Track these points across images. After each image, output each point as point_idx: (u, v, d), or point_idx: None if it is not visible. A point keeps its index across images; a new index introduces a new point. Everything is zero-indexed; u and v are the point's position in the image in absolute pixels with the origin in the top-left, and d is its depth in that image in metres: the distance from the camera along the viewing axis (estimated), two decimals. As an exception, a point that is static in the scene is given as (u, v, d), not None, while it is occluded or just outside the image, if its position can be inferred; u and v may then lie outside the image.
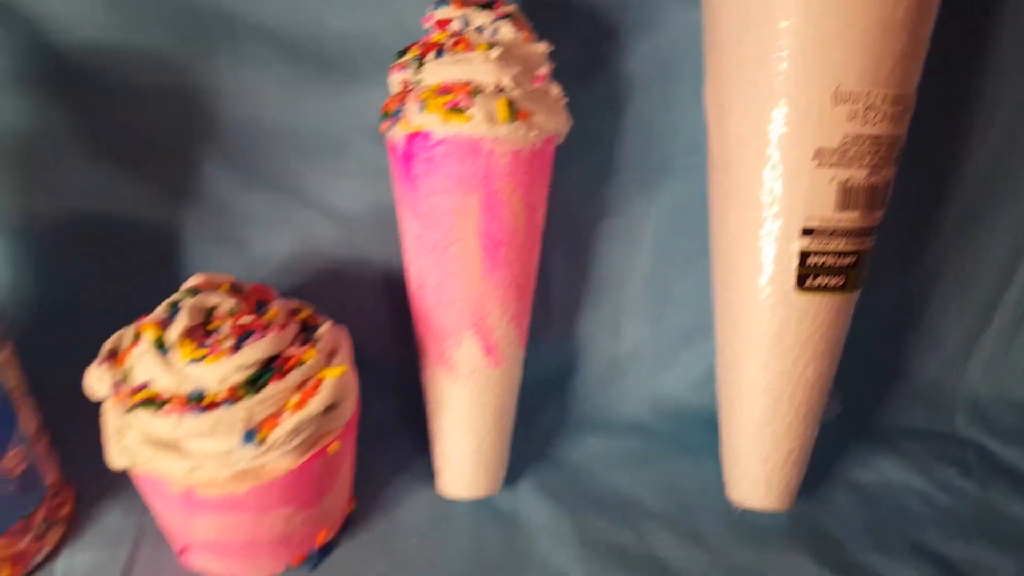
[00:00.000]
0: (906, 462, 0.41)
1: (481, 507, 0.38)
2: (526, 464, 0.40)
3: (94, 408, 0.40)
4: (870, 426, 0.43)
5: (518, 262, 0.35)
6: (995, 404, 0.44)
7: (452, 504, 0.38)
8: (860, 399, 0.42)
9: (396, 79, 0.35)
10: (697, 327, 0.42)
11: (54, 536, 0.35)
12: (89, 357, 0.41)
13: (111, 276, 0.40)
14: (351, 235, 0.41)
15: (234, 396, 0.29)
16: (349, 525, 0.37)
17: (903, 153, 0.35)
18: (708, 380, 0.42)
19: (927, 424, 0.43)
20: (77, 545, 0.35)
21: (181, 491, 0.30)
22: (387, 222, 0.40)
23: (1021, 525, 0.38)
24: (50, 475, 0.35)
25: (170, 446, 0.30)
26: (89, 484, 0.38)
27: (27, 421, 0.33)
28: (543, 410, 0.42)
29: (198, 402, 0.29)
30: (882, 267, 0.41)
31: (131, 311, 0.35)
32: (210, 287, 0.33)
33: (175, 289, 0.39)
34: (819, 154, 0.32)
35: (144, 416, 0.29)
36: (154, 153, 0.39)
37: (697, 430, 0.41)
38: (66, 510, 0.36)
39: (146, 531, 0.36)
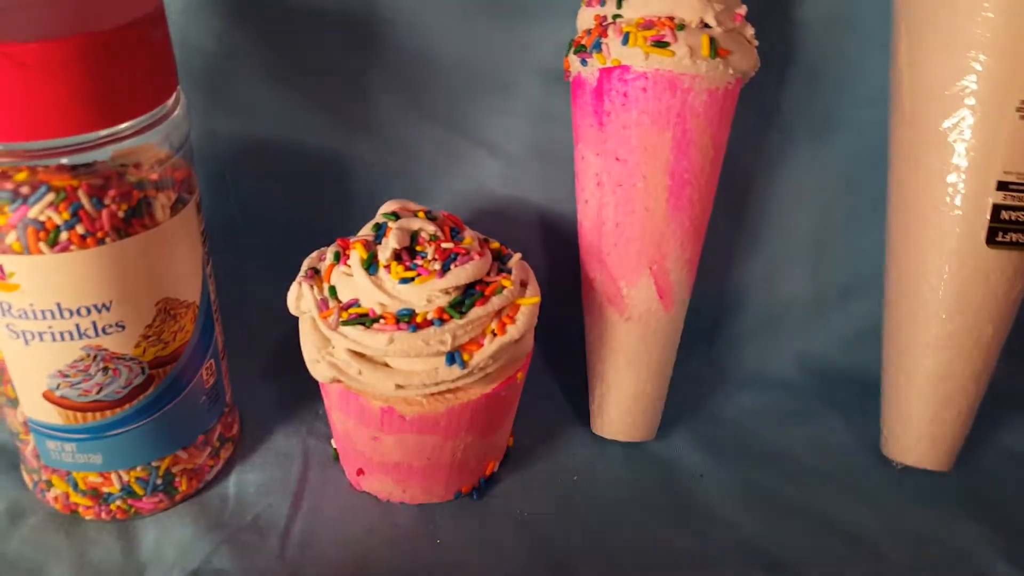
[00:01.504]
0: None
1: (637, 451, 0.38)
2: (680, 414, 0.40)
3: (260, 329, 0.41)
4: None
5: (700, 204, 0.35)
6: None
7: (609, 445, 0.38)
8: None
9: (588, 14, 0.35)
10: (852, 286, 0.42)
11: (225, 453, 0.36)
12: (253, 277, 0.42)
13: (282, 200, 0.40)
14: (515, 174, 0.41)
15: (442, 317, 0.29)
16: (509, 460, 0.37)
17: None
18: (858, 341, 0.42)
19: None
20: (247, 465, 0.36)
21: (381, 407, 0.30)
22: (551, 164, 0.40)
23: None
24: (229, 392, 0.35)
25: (378, 362, 0.30)
26: (253, 404, 0.39)
27: (219, 334, 0.34)
28: (692, 360, 0.42)
29: (408, 321, 0.29)
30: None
31: (303, 235, 0.36)
32: (407, 212, 0.33)
33: (347, 215, 0.39)
34: (1022, 106, 0.32)
35: (356, 332, 0.29)
36: (331, 80, 0.39)
37: (846, 389, 0.41)
38: (235, 429, 0.37)
39: (313, 453, 0.37)
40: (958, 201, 0.34)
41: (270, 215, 0.41)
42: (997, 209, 0.33)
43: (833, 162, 0.41)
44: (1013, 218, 0.33)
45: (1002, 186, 0.33)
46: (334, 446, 0.36)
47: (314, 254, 0.33)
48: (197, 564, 0.31)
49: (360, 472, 0.34)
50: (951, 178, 0.34)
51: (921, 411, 0.36)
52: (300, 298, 0.32)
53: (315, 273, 0.32)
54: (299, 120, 0.40)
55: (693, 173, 0.34)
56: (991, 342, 0.35)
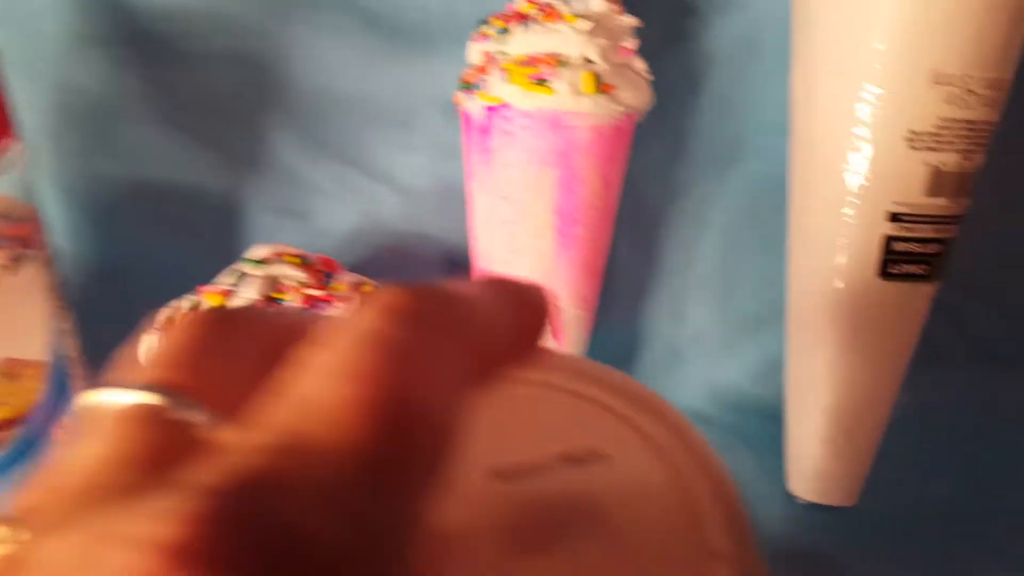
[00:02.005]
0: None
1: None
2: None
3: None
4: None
5: (591, 243, 0.34)
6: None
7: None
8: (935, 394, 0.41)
9: (477, 49, 0.34)
10: (763, 316, 0.41)
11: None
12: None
13: (172, 244, 0.39)
14: (415, 210, 0.40)
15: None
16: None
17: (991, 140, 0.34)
18: (771, 372, 0.41)
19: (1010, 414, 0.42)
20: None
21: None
22: (452, 199, 0.39)
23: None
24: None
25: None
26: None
27: (79, 391, 0.33)
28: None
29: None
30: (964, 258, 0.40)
31: (191, 280, 0.35)
32: (277, 257, 0.32)
33: (236, 259, 0.38)
34: (912, 137, 0.31)
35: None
36: (222, 120, 0.38)
37: (757, 422, 0.40)
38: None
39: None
40: (851, 232, 0.33)
41: (158, 261, 0.39)
42: (889, 240, 0.32)
43: (740, 191, 0.40)
44: (905, 250, 0.33)
45: (894, 217, 0.32)
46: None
47: (173, 303, 0.32)
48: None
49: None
50: (844, 209, 0.33)
51: (820, 447, 0.35)
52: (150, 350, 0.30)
53: (171, 324, 0.31)
54: (189, 161, 0.38)
55: (581, 211, 0.34)
56: (889, 376, 0.34)
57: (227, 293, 0.30)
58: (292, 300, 0.30)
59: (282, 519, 0.09)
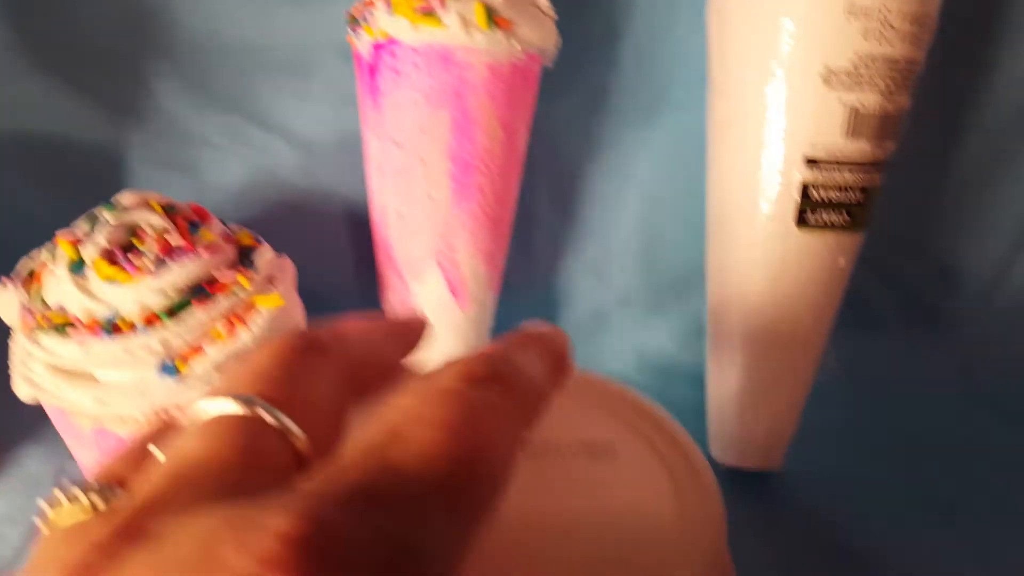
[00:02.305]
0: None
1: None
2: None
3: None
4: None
5: (492, 192, 0.32)
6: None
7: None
8: (863, 352, 0.39)
9: (361, -21, 0.31)
10: (689, 276, 0.38)
11: (-36, 482, 0.32)
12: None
13: (52, 200, 0.37)
14: (314, 164, 0.37)
15: (151, 321, 0.26)
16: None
17: (919, 83, 0.31)
18: (698, 336, 0.39)
19: (941, 376, 0.40)
20: (-6, 490, 0.32)
21: (92, 429, 0.27)
22: (354, 151, 0.36)
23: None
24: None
25: (79, 375, 0.26)
26: (10, 429, 0.34)
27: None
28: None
29: (110, 326, 0.26)
30: (892, 208, 0.38)
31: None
32: (139, 204, 0.29)
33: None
34: (828, 74, 0.29)
35: (51, 341, 0.26)
36: (102, 67, 0.36)
37: (684, 388, 0.38)
38: (-18, 455, 0.33)
39: (68, 476, 0.33)
40: (768, 180, 0.30)
41: (37, 219, 0.37)
42: (806, 188, 0.30)
43: (662, 145, 0.37)
44: (824, 197, 0.30)
45: (811, 163, 0.30)
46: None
47: (32, 253, 0.29)
48: None
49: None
50: (760, 155, 0.30)
51: (740, 408, 0.33)
52: (7, 305, 0.28)
53: (28, 276, 0.28)
54: (66, 111, 0.36)
55: (479, 157, 0.31)
56: (810, 332, 0.32)
57: (78, 241, 0.28)
58: (149, 248, 0.27)
59: (384, 526, 0.11)
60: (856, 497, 0.33)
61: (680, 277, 0.39)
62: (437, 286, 0.32)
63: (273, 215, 0.37)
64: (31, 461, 0.33)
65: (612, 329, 0.39)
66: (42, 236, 0.38)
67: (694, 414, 0.37)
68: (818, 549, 0.31)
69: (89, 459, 0.28)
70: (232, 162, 0.37)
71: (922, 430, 0.37)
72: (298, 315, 0.30)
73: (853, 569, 0.30)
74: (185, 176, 0.37)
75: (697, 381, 0.38)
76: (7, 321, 0.28)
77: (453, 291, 0.33)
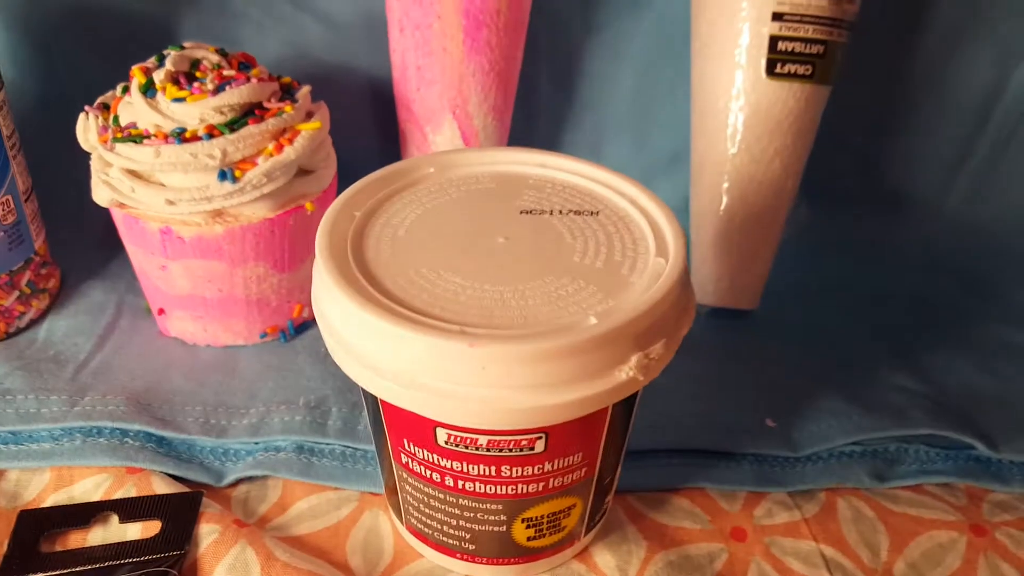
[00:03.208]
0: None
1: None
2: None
3: (89, 201, 0.42)
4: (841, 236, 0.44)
5: (499, 48, 0.36)
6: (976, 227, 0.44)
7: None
8: (833, 209, 0.43)
9: None
10: (678, 153, 0.43)
11: (40, 304, 0.36)
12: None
13: (106, 67, 0.41)
14: (340, 39, 0.41)
15: (211, 132, 0.30)
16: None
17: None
18: (687, 208, 0.43)
19: (903, 244, 0.44)
20: (60, 314, 0.36)
21: (160, 228, 0.31)
22: (376, 29, 0.41)
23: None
24: (38, 241, 0.36)
25: (150, 179, 0.31)
26: (77, 268, 0.39)
27: (20, 175, 0.34)
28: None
29: (179, 136, 0.30)
30: (862, 75, 0.41)
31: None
32: (198, 47, 0.34)
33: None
34: (792, -65, 0.33)
35: (127, 148, 0.30)
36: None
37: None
38: (52, 283, 0.37)
39: (127, 304, 0.37)
40: (741, 35, 0.35)
41: (93, 82, 0.41)
42: (774, 40, 0.34)
43: (656, 25, 0.42)
44: (789, 49, 0.34)
45: (776, 16, 0.34)
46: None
47: (109, 92, 0.34)
48: (-16, 384, 0.32)
49: (161, 311, 0.35)
50: (736, 12, 0.35)
51: (718, 251, 0.37)
52: (87, 130, 0.32)
53: (104, 107, 0.33)
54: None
55: (488, 13, 0.35)
56: (780, 176, 0.36)
57: (147, 69, 0.32)
58: (208, 77, 0.32)
59: None
60: (825, 332, 0.37)
61: (670, 151, 0.43)
62: (452, 135, 0.37)
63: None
64: (95, 292, 0.38)
65: None
66: (97, 96, 0.42)
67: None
68: (790, 372, 0.35)
69: (153, 266, 0.33)
70: (269, 37, 0.41)
71: (884, 286, 0.41)
72: (331, 150, 0.35)
73: (817, 386, 0.34)
74: (227, 48, 0.41)
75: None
76: (85, 145, 0.33)
77: (466, 140, 0.37)
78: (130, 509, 0.28)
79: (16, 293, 0.35)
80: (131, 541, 0.27)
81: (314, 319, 0.37)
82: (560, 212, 0.24)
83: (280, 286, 0.34)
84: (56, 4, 0.40)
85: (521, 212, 0.24)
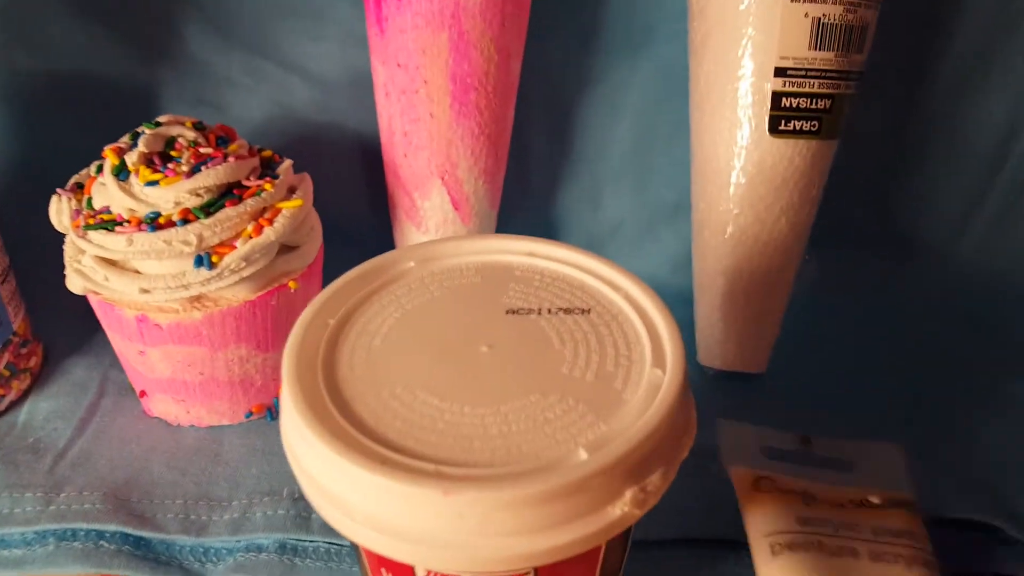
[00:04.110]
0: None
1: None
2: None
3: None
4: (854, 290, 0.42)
5: (489, 111, 0.35)
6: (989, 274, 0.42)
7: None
8: (843, 256, 0.41)
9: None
10: (680, 203, 0.41)
11: (20, 385, 0.35)
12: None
13: (89, 137, 0.40)
14: (327, 99, 0.40)
15: (186, 217, 0.29)
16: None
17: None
18: (688, 260, 0.42)
19: (916, 292, 0.42)
20: (42, 395, 0.35)
21: (136, 316, 0.30)
22: (363, 88, 0.40)
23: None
24: (16, 321, 0.35)
25: (124, 268, 0.29)
26: (59, 343, 0.38)
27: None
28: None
29: (152, 223, 0.29)
30: (869, 123, 0.40)
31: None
32: (174, 122, 0.32)
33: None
34: (794, -12, 0.32)
35: (99, 236, 0.29)
36: (135, 12, 0.39)
37: (676, 308, 0.40)
38: (34, 361, 0.36)
39: (111, 382, 0.36)
40: (742, 91, 0.33)
41: (76, 152, 0.40)
42: (777, 96, 0.33)
43: (651, 76, 0.40)
44: (793, 104, 0.33)
45: (779, 72, 0.32)
46: (135, 377, 0.36)
47: (83, 171, 0.32)
48: (-44, 481, 0.30)
49: (143, 394, 0.34)
50: (735, 67, 0.33)
51: (724, 313, 0.36)
52: (60, 212, 0.31)
53: (78, 188, 0.31)
54: (102, 53, 0.39)
55: (477, 77, 0.34)
56: (787, 235, 0.35)
57: (120, 150, 0.31)
58: (184, 156, 0.30)
59: None
60: (834, 397, 0.36)
61: (672, 202, 0.42)
62: (441, 201, 0.35)
63: (291, 147, 0.40)
64: (78, 369, 0.36)
65: (606, 255, 0.42)
66: (80, 167, 0.42)
67: (685, 331, 0.39)
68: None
69: (131, 351, 0.32)
70: (254, 99, 0.40)
71: (899, 340, 0.39)
72: (316, 223, 0.34)
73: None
74: (212, 112, 0.40)
75: (688, 302, 0.40)
76: (60, 227, 0.31)
77: (456, 205, 0.35)
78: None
79: (-6, 376, 0.34)
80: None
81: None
82: (548, 311, 0.22)
83: (265, 365, 0.33)
84: (36, 72, 0.39)
85: (507, 312, 0.22)
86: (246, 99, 0.40)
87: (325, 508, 0.19)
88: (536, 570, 0.20)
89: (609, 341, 0.22)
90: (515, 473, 0.18)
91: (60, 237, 0.38)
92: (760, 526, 0.27)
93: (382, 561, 0.21)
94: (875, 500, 0.28)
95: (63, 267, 0.32)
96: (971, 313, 0.41)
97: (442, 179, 0.35)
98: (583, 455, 0.18)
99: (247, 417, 0.34)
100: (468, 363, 0.21)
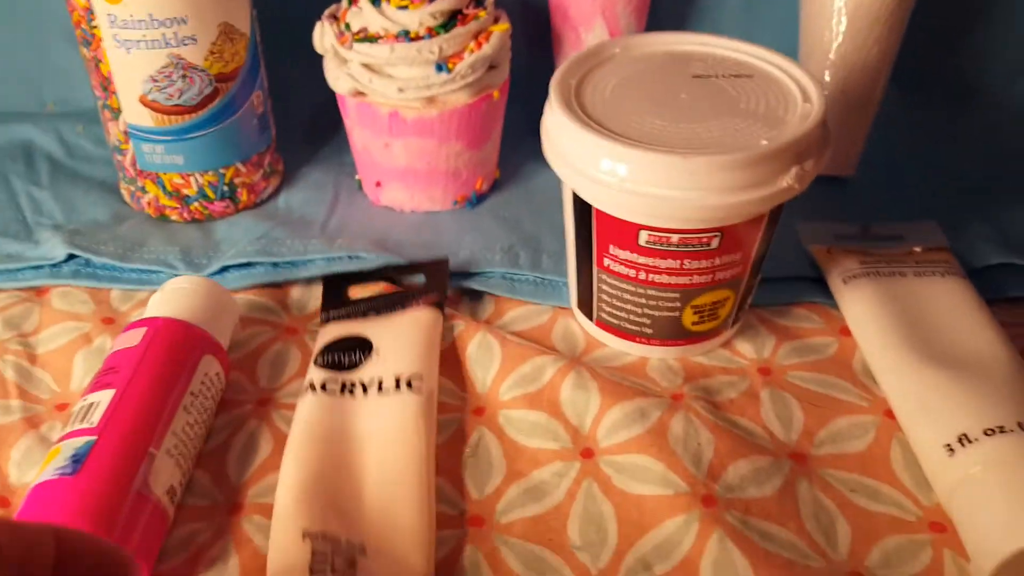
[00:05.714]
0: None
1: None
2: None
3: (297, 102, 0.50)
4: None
5: (641, -42, 0.44)
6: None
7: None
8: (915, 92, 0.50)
9: None
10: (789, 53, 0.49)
11: (274, 181, 0.46)
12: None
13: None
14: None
15: (431, 33, 0.39)
16: (496, 186, 0.47)
17: None
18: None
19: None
20: (291, 190, 0.46)
21: (388, 112, 0.40)
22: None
23: None
24: (273, 129, 0.45)
25: (381, 71, 0.39)
26: (290, 159, 0.49)
27: (264, 76, 0.43)
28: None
29: (405, 36, 0.39)
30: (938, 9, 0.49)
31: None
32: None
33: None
34: None
35: (365, 47, 0.39)
36: None
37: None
38: (280, 166, 0.47)
39: (341, 184, 0.47)
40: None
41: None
42: (877, -57, 0.41)
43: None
44: (890, -50, 0.41)
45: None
46: (357, 178, 0.46)
47: (333, 6, 0.42)
48: (259, 234, 0.42)
49: (378, 184, 0.44)
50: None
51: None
52: (323, 35, 0.41)
53: (333, 17, 0.41)
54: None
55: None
56: (877, 61, 0.43)
57: (367, -10, 0.41)
58: (415, -6, 0.40)
59: None
60: (916, 194, 0.45)
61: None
62: (601, 33, 0.45)
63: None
64: (315, 173, 0.47)
65: None
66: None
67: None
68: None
69: (378, 144, 0.42)
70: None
71: (960, 159, 0.48)
72: (509, 47, 0.43)
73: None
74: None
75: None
76: (321, 49, 0.41)
77: (612, 35, 0.45)
78: (401, 270, 0.39)
79: (261, 171, 0.44)
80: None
81: (490, 191, 0.46)
82: (723, 76, 0.32)
83: (470, 161, 0.43)
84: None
85: (693, 76, 0.32)
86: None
87: (586, 186, 0.29)
88: (722, 233, 0.30)
89: (770, 92, 0.31)
90: (726, 150, 0.28)
91: (297, 81, 0.47)
92: (833, 269, 0.38)
93: (612, 236, 0.31)
94: (918, 249, 0.38)
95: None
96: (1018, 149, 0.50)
97: (603, 15, 0.44)
98: (765, 142, 0.28)
99: (453, 204, 0.44)
100: (674, 104, 0.31)
